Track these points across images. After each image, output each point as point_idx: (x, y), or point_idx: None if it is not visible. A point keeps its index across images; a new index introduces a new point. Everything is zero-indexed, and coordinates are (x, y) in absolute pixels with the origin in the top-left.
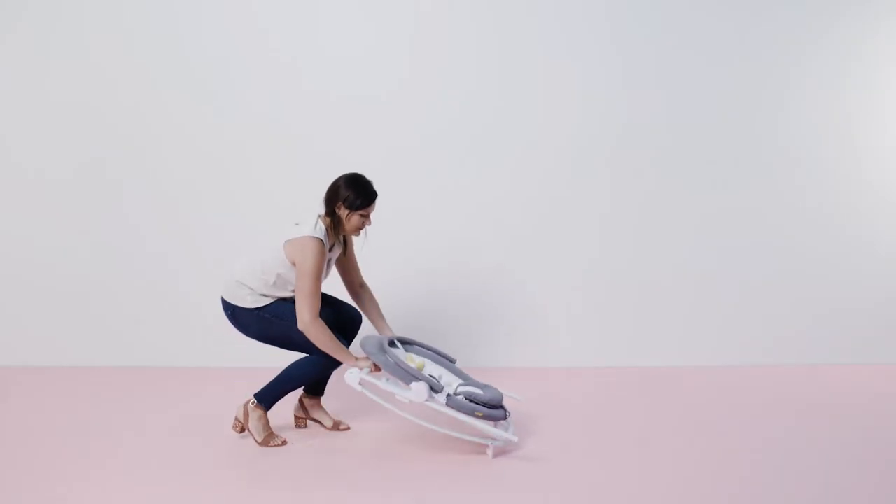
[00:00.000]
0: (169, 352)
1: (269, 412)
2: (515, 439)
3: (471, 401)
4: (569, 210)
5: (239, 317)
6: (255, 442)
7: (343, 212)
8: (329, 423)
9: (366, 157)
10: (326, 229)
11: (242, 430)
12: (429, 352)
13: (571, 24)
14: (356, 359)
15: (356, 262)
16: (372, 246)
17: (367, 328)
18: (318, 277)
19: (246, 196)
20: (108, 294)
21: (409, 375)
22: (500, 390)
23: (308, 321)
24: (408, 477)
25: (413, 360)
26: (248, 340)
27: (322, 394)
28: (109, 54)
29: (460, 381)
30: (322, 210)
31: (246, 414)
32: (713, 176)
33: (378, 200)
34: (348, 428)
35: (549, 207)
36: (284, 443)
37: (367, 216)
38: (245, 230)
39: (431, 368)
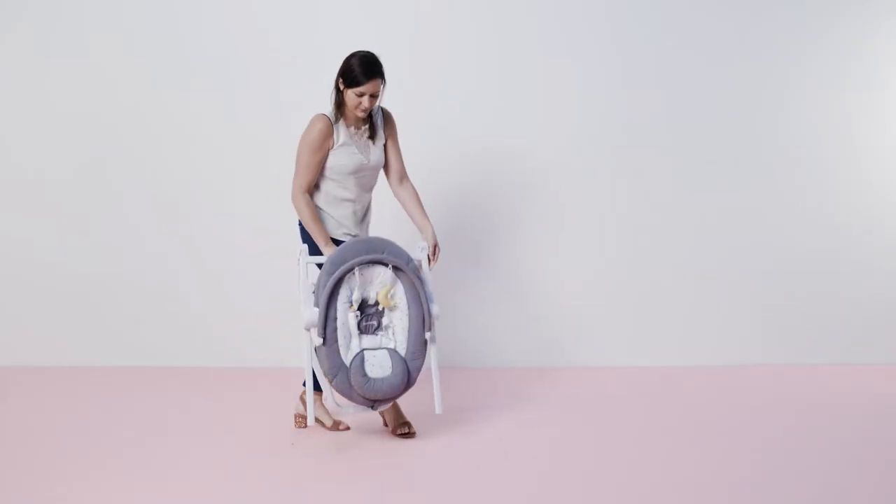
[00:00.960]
0: (169, 352)
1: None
2: (311, 422)
3: (350, 372)
4: (568, 210)
5: (302, 232)
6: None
7: (342, 86)
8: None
9: None
10: (334, 109)
11: (305, 425)
12: (417, 303)
13: (571, 24)
14: (325, 245)
15: (397, 155)
16: None
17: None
18: (312, 151)
19: (246, 195)
20: (108, 294)
21: (318, 300)
22: (436, 400)
23: (294, 194)
24: (406, 477)
25: (391, 297)
26: (246, 340)
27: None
28: (110, 55)
29: (388, 348)
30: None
31: (304, 404)
32: (713, 176)
33: (377, 204)
34: (348, 428)
35: (549, 208)
36: (348, 428)
37: (362, 95)
38: (245, 230)
39: (395, 319)
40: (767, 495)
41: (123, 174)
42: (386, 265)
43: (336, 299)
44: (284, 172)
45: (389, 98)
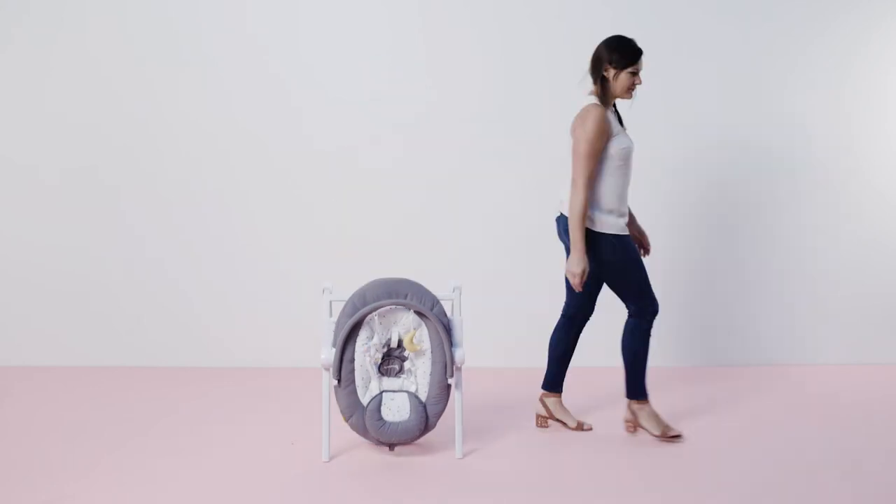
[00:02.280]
0: (169, 352)
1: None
2: (326, 458)
3: (366, 414)
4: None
5: (563, 225)
6: (652, 436)
7: (610, 73)
8: (573, 424)
9: (366, 159)
10: (598, 99)
11: (635, 428)
12: (441, 348)
13: (572, 24)
14: (579, 259)
15: None
16: (375, 247)
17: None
18: (598, 138)
19: (245, 195)
20: (108, 294)
21: (336, 342)
22: (457, 445)
23: (580, 185)
24: (408, 480)
25: (417, 342)
26: (247, 340)
27: (561, 391)
28: (110, 58)
29: (409, 391)
30: (590, 84)
31: (634, 414)
32: (714, 176)
33: (385, 198)
34: (590, 428)
35: (553, 207)
36: (679, 435)
37: (636, 73)
38: (245, 230)
39: (417, 363)
40: (767, 495)
41: (122, 175)
42: (409, 309)
43: (354, 341)
44: (284, 172)
45: (390, 101)
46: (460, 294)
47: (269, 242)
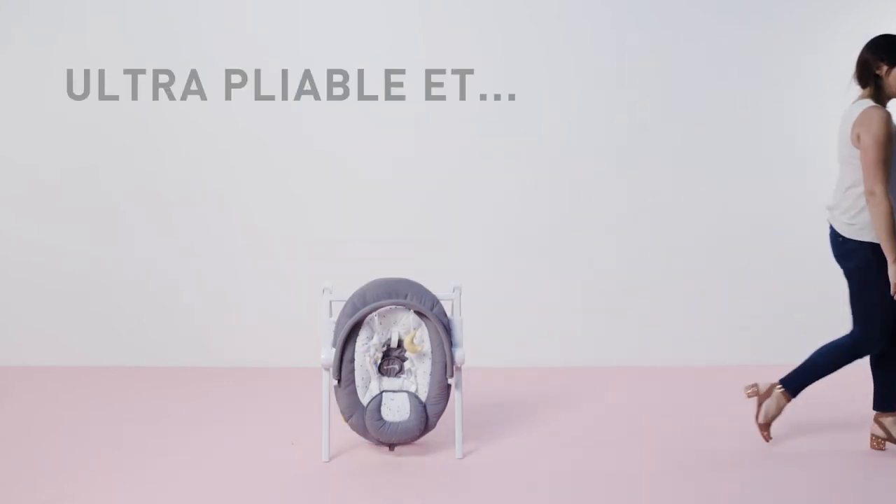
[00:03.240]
0: (169, 352)
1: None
2: (326, 458)
3: (366, 414)
4: (572, 210)
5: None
6: (755, 418)
7: (883, 69)
8: None
9: (366, 159)
10: (874, 99)
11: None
12: (441, 348)
13: (572, 24)
14: None
15: None
16: (375, 247)
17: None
18: (884, 145)
19: (245, 196)
20: (108, 294)
21: (336, 342)
22: (457, 445)
23: (878, 193)
24: (409, 481)
25: (418, 342)
26: (246, 340)
27: (894, 409)
28: (109, 59)
29: (409, 391)
30: (858, 88)
31: (769, 391)
32: (716, 177)
33: (385, 198)
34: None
35: (553, 207)
36: (769, 439)
37: None
38: (245, 230)
39: (417, 363)
40: (767, 495)
41: (122, 175)
42: (409, 309)
43: (354, 341)
44: (284, 172)
45: (390, 103)
46: (460, 294)
47: (269, 242)
